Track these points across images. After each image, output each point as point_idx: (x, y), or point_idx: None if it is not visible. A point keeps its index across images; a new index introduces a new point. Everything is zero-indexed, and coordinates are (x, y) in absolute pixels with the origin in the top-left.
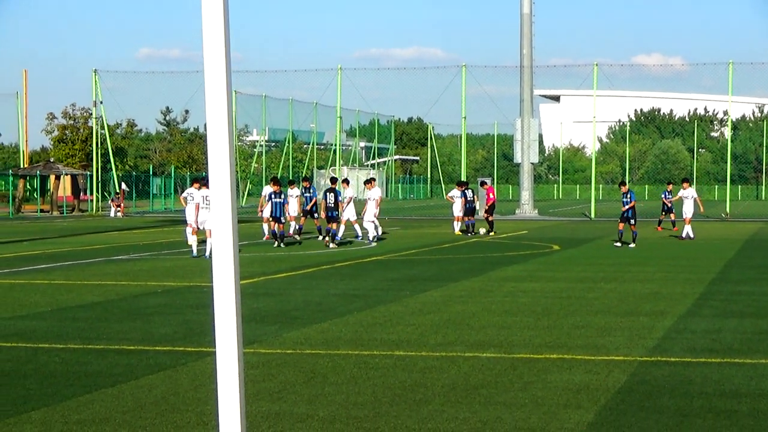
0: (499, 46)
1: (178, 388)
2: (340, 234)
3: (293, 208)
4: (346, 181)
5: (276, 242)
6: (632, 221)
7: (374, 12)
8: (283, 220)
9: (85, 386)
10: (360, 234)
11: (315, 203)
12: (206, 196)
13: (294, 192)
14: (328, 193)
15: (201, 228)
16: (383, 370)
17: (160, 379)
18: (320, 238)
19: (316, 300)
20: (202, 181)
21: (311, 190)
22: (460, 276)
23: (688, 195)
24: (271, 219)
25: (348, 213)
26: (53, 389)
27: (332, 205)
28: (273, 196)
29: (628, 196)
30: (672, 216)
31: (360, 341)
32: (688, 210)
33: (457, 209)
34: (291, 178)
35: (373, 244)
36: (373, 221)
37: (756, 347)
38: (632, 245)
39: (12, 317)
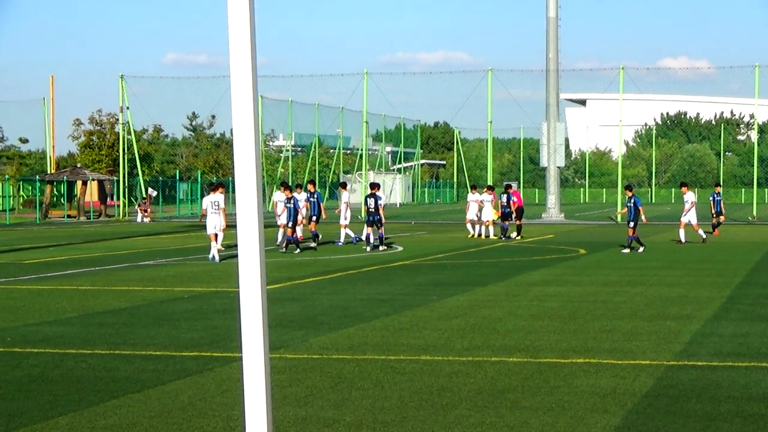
0: (525, 50)
1: (205, 394)
2: (342, 238)
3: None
4: (343, 185)
5: (295, 248)
6: (631, 224)
7: (400, 16)
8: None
9: (112, 392)
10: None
11: (320, 209)
12: (214, 202)
13: (301, 197)
14: (368, 198)
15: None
16: (410, 374)
17: (186, 385)
18: (312, 244)
19: (342, 305)
20: (211, 187)
21: (316, 195)
22: (486, 280)
23: (688, 200)
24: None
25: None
26: (80, 395)
27: (372, 210)
28: (287, 201)
29: (632, 201)
30: (721, 218)
31: (386, 346)
32: (692, 216)
33: (488, 214)
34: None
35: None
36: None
37: None
38: (641, 249)
39: (39, 323)
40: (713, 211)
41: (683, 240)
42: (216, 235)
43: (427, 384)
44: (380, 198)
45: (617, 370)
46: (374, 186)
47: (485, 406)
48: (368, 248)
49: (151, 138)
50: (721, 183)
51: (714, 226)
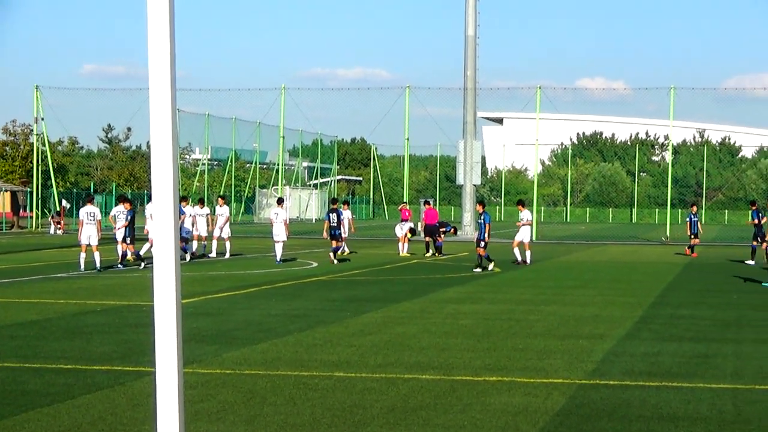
0: (444, 68)
1: (116, 408)
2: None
3: (203, 227)
4: (280, 201)
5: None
6: (482, 244)
7: (319, 32)
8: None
9: (21, 405)
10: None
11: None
12: (89, 213)
13: (203, 211)
14: (330, 214)
15: (89, 244)
16: (322, 391)
17: (97, 399)
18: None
19: (256, 320)
20: (120, 199)
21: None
22: (401, 297)
23: (523, 218)
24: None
25: (280, 233)
26: None
27: (335, 225)
28: (128, 214)
29: (482, 218)
30: (696, 240)
31: (300, 362)
32: (525, 234)
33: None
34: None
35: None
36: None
37: (694, 371)
38: (491, 266)
39: None
40: (690, 233)
41: (519, 259)
42: (87, 246)
43: (340, 400)
44: (342, 213)
45: (530, 388)
46: (335, 201)
47: (397, 423)
48: (332, 261)
49: (66, 150)
50: (635, 204)
51: (691, 247)
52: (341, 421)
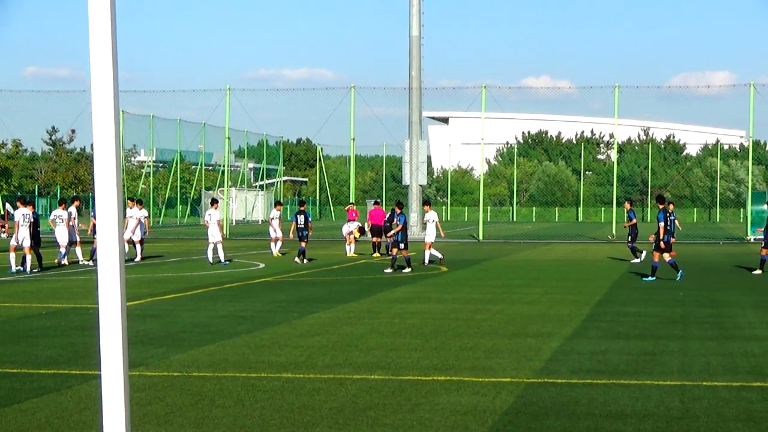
0: (388, 68)
1: (63, 412)
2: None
3: (62, 233)
4: (215, 202)
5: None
6: (401, 246)
7: (264, 32)
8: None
9: None
10: (219, 259)
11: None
12: (25, 214)
13: (63, 214)
14: (298, 216)
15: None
16: (271, 392)
17: (44, 403)
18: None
19: (203, 322)
20: (63, 203)
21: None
22: (348, 297)
23: (430, 219)
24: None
25: (215, 234)
26: None
27: (302, 226)
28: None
29: (397, 219)
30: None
31: (247, 363)
32: (430, 234)
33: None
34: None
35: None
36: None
37: (641, 368)
38: (407, 270)
39: None
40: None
41: (440, 256)
42: (15, 247)
43: (288, 402)
44: (309, 215)
45: (478, 387)
46: (303, 203)
47: (346, 423)
48: (301, 261)
49: (9, 152)
50: (581, 202)
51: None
52: (290, 422)
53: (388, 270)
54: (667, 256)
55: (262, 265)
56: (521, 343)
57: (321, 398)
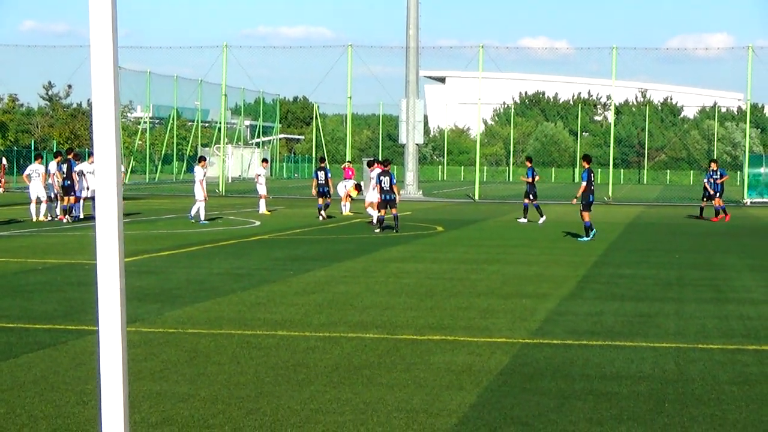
0: (386, 27)
1: (58, 367)
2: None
3: (36, 187)
4: (202, 159)
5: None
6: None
7: None
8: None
9: None
10: (199, 217)
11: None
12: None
13: (40, 168)
14: (318, 172)
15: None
16: (266, 349)
17: (39, 358)
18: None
19: (199, 279)
20: (59, 155)
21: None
22: (344, 256)
23: (373, 176)
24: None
25: (198, 193)
26: None
27: (323, 182)
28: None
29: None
30: (716, 202)
31: (243, 321)
32: (373, 194)
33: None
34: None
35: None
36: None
37: (636, 330)
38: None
39: None
40: (709, 192)
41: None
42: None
43: (284, 359)
44: (329, 171)
45: (473, 347)
46: (322, 160)
47: (341, 382)
48: (323, 218)
49: (6, 107)
50: (578, 163)
51: (718, 210)
52: (285, 379)
53: (377, 230)
54: (586, 216)
55: (257, 223)
56: (516, 303)
57: (316, 356)
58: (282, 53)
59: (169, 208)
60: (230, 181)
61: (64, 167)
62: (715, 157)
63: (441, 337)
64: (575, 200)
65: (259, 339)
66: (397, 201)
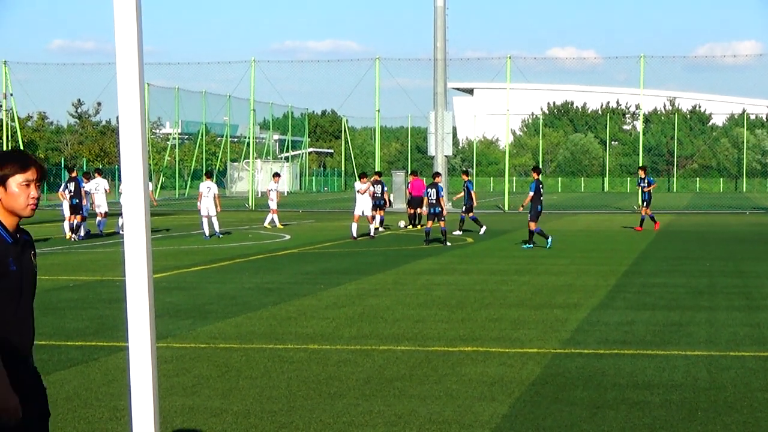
0: (413, 39)
1: (91, 384)
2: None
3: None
4: (209, 174)
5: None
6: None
7: (290, 4)
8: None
9: None
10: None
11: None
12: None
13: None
14: (429, 189)
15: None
16: (297, 363)
17: (72, 375)
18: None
19: (229, 294)
20: (87, 175)
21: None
22: (374, 269)
23: (359, 189)
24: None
25: (210, 208)
26: None
27: (434, 201)
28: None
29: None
30: (643, 210)
31: (274, 335)
32: (363, 206)
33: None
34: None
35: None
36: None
37: (668, 339)
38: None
39: None
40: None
41: (354, 235)
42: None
43: (315, 373)
44: (441, 189)
45: (505, 358)
46: (437, 175)
47: (373, 394)
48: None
49: (35, 125)
50: (607, 173)
51: (643, 218)
52: (317, 393)
53: (425, 243)
54: (533, 225)
55: (287, 237)
56: (548, 313)
57: (348, 369)
58: (310, 67)
59: (198, 223)
60: (259, 195)
61: (72, 186)
62: (744, 165)
63: (472, 349)
64: (521, 208)
65: (290, 353)
66: (444, 214)
